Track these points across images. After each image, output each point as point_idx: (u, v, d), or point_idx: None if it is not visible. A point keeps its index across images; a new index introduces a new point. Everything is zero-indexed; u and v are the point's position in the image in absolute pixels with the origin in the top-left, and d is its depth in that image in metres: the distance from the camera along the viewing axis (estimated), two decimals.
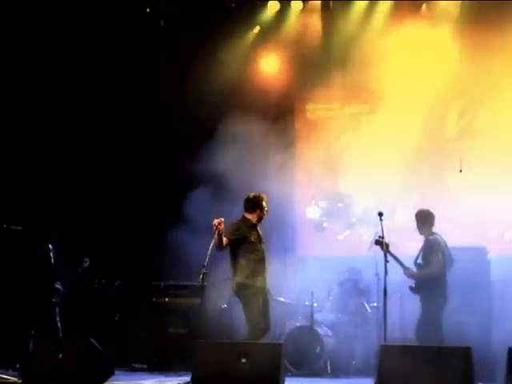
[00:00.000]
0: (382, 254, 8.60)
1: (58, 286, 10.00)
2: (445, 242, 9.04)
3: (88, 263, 10.48)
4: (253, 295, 8.54)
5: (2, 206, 10.97)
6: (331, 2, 12.22)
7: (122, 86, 12.24)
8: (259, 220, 8.84)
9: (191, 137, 12.19)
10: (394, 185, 11.44)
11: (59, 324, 9.85)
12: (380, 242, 8.71)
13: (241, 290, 8.59)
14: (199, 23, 12.32)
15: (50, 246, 10.07)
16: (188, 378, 7.86)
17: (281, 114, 12.28)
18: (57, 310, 9.92)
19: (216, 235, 8.38)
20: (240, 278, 8.58)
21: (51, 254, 10.03)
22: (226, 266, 8.84)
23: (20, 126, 11.81)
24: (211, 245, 8.49)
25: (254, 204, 8.85)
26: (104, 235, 11.77)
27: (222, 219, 8.46)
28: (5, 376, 8.81)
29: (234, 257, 8.67)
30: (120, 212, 12.08)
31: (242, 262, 8.60)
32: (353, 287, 10.74)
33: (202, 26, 12.27)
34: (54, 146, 12.09)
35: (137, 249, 11.81)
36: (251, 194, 8.92)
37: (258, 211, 8.85)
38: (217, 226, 8.38)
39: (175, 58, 12.45)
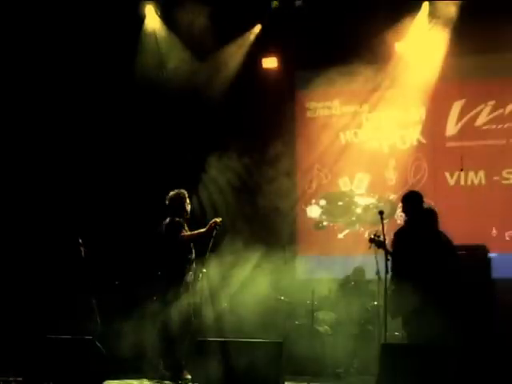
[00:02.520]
0: (382, 252, 8.59)
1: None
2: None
3: None
4: (182, 295, 8.74)
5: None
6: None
7: (123, 80, 12.20)
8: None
9: (189, 136, 12.20)
10: (394, 183, 11.46)
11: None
12: (374, 240, 8.70)
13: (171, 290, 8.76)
14: (199, 21, 12.33)
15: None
16: (189, 377, 7.89)
17: (281, 113, 12.26)
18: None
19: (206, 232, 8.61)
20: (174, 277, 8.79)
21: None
22: (224, 265, 8.87)
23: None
24: (210, 244, 8.55)
25: (181, 202, 9.07)
26: (103, 238, 11.75)
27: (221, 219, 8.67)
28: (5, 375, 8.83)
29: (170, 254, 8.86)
30: (121, 212, 12.05)
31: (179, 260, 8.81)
32: (353, 286, 10.74)
33: (202, 24, 12.27)
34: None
35: (136, 248, 11.80)
36: (173, 193, 9.09)
37: (186, 207, 9.04)
38: (218, 224, 8.49)
39: (175, 56, 12.45)
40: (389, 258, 8.45)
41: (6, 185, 11.44)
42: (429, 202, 9.72)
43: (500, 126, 11.02)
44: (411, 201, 8.50)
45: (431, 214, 8.76)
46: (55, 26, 11.67)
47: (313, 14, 11.85)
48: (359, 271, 10.84)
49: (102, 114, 12.18)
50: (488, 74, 11.08)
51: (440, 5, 11.19)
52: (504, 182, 10.89)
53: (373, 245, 8.78)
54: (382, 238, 8.58)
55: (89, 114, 12.15)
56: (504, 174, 10.92)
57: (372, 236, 8.73)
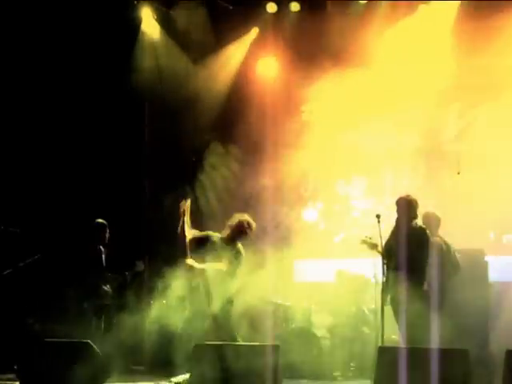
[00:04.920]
0: (379, 255, 8.60)
1: (107, 288, 10.07)
2: (448, 247, 9.06)
3: (142, 267, 10.47)
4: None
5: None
6: (329, 3, 12.20)
7: (117, 85, 12.21)
8: None
9: (188, 137, 12.22)
10: (392, 186, 11.46)
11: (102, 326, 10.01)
12: (366, 242, 8.73)
13: None
14: (196, 25, 12.35)
15: (102, 248, 10.17)
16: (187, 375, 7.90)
17: (277, 115, 12.26)
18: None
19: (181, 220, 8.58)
20: None
21: (103, 256, 10.14)
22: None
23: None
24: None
25: None
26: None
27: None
28: (3, 377, 8.82)
29: None
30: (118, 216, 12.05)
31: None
32: (350, 289, 10.74)
33: (199, 28, 12.29)
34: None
35: (134, 250, 11.81)
36: None
37: None
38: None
39: (173, 60, 12.46)
40: (385, 261, 8.48)
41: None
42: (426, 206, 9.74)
43: (497, 130, 11.02)
44: (404, 205, 8.55)
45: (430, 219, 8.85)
46: (50, 28, 11.71)
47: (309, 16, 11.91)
48: (341, 273, 10.84)
49: (100, 116, 12.22)
50: (485, 77, 11.07)
51: (436, 6, 11.23)
52: (501, 185, 10.88)
53: (365, 246, 8.84)
54: (374, 241, 8.62)
55: (86, 117, 12.18)
56: (501, 177, 10.91)
57: (364, 237, 8.77)
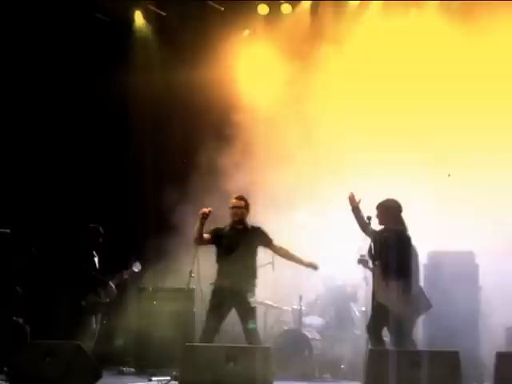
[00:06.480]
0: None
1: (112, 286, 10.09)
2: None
3: (140, 267, 10.43)
4: None
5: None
6: (320, 3, 12.22)
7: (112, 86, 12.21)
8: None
9: (179, 140, 12.23)
10: (382, 188, 11.44)
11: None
12: (362, 261, 8.74)
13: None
14: (188, 26, 12.35)
15: (94, 252, 10.16)
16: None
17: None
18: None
19: (198, 224, 8.31)
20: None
21: (95, 260, 10.12)
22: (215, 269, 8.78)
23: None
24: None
25: None
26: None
27: (211, 209, 8.36)
28: None
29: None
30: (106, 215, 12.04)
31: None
32: (341, 291, 10.75)
33: (190, 29, 12.30)
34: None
35: (124, 251, 11.80)
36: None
37: None
38: (203, 215, 8.27)
39: (164, 61, 12.47)
40: (376, 263, 8.48)
41: None
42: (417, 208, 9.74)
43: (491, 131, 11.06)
44: (385, 210, 8.49)
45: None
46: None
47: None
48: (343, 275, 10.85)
49: (92, 117, 12.24)
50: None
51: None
52: (493, 186, 10.87)
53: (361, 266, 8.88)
54: (366, 257, 8.61)
55: (78, 117, 12.19)
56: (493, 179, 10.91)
57: (360, 257, 8.75)
